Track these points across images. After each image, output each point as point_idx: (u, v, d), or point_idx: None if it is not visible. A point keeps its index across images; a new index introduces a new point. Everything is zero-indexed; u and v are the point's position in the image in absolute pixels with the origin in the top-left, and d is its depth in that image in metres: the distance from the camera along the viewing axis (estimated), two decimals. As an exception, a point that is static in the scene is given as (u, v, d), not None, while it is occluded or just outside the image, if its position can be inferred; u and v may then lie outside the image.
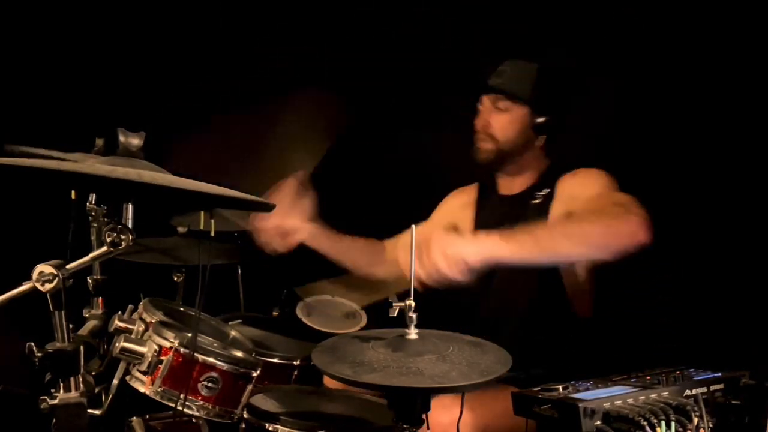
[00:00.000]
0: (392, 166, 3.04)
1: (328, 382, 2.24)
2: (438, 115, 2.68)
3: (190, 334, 1.81)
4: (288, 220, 2.21)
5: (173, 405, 1.79)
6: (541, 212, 2.17)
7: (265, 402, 1.98)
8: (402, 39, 3.02)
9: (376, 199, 2.98)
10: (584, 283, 2.18)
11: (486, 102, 2.26)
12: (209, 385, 1.82)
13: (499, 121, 2.22)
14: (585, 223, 1.85)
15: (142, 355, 1.79)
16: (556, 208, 2.15)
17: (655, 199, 2.42)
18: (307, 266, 2.88)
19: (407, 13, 3.00)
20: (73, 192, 1.81)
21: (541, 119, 2.20)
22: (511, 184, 2.31)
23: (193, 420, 2.05)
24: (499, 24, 2.81)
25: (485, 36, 2.83)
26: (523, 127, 2.21)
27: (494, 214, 2.35)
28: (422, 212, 2.51)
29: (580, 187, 2.13)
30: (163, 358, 1.80)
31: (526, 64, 2.25)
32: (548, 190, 2.20)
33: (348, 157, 2.91)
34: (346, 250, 2.37)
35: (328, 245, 2.33)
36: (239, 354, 1.92)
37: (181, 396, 1.79)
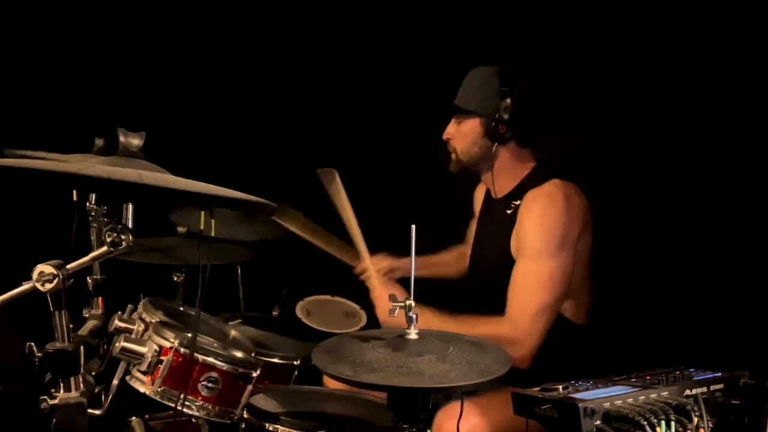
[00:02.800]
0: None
1: (328, 381, 2.25)
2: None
3: (190, 334, 1.81)
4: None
5: (173, 405, 1.79)
6: (510, 225, 2.19)
7: (265, 402, 1.98)
8: (402, 38, 3.02)
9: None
10: (579, 290, 2.18)
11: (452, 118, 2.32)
12: (209, 385, 1.83)
13: (457, 133, 2.29)
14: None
15: (142, 355, 1.79)
16: (513, 238, 2.17)
17: (653, 199, 2.44)
18: (305, 267, 2.90)
19: (410, 12, 3.01)
20: (74, 193, 1.81)
21: (493, 125, 2.19)
22: (496, 187, 2.32)
23: (193, 420, 2.06)
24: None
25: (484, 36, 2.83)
26: (475, 136, 2.23)
27: (487, 217, 2.40)
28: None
29: (524, 233, 2.13)
30: (163, 358, 1.80)
31: (484, 71, 2.24)
32: (521, 201, 2.20)
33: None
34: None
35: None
36: (239, 354, 1.92)
37: (181, 396, 1.79)
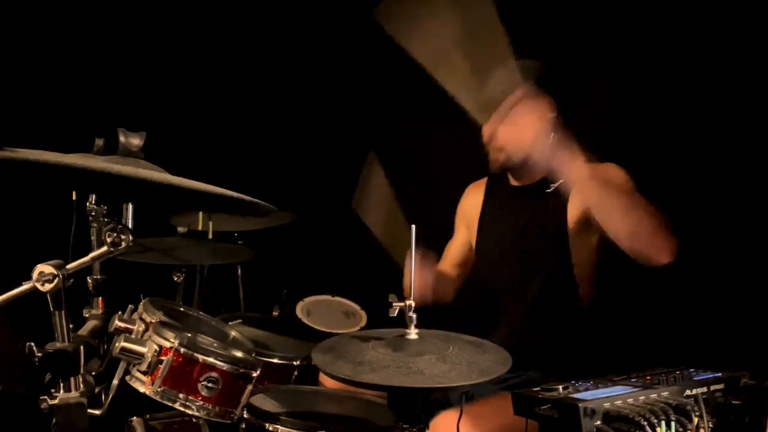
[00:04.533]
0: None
1: (324, 380, 2.25)
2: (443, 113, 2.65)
3: (190, 334, 1.81)
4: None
5: (173, 405, 1.79)
6: (556, 200, 2.15)
7: (265, 402, 1.98)
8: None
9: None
10: (588, 272, 2.18)
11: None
12: (209, 385, 1.82)
13: (507, 133, 2.17)
14: (640, 212, 1.93)
15: (142, 355, 1.79)
16: (574, 200, 2.11)
17: (657, 199, 2.44)
18: (305, 267, 2.90)
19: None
20: (74, 192, 1.81)
21: (551, 116, 2.16)
22: (521, 177, 2.27)
23: (193, 420, 2.06)
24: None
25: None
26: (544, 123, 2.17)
27: (506, 204, 2.32)
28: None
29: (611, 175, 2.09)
30: (163, 358, 1.80)
31: (528, 63, 2.24)
32: (561, 180, 2.13)
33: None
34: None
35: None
36: (239, 354, 1.92)
37: (181, 396, 1.79)
